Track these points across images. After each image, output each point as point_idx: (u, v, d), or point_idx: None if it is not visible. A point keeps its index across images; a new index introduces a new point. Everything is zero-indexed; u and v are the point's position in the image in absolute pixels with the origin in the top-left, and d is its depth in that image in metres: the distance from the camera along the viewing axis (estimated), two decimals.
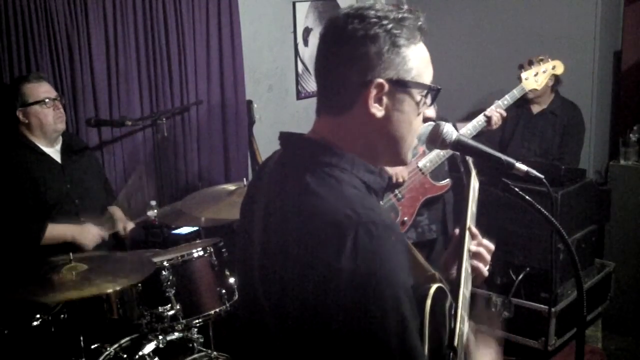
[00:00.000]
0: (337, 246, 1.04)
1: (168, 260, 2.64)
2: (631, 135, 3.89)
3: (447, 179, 3.17)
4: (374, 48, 1.12)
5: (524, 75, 3.30)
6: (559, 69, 3.35)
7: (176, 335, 2.64)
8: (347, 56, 1.14)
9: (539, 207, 1.52)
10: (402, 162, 1.25)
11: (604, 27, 4.14)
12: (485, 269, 1.46)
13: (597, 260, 3.80)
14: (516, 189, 1.52)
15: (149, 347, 2.57)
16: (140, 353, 2.55)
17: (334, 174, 1.14)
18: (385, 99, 1.15)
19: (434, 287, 1.22)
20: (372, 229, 1.05)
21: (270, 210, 1.18)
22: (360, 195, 1.13)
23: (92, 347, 2.57)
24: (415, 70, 1.16)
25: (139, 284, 2.57)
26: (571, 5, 4.18)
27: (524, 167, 1.50)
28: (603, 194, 3.78)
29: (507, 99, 3.24)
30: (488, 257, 1.48)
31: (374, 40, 1.12)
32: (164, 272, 2.61)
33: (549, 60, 3.31)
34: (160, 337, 2.59)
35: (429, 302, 1.18)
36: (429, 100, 1.20)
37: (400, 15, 1.15)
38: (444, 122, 1.54)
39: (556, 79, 3.80)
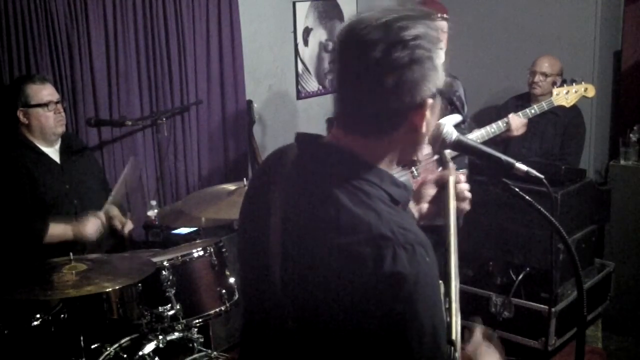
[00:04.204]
0: (375, 262, 1.04)
1: (168, 260, 2.64)
2: (631, 135, 3.89)
3: (465, 170, 3.18)
4: (419, 71, 1.11)
5: (555, 91, 3.40)
6: (590, 92, 3.44)
7: (176, 335, 2.64)
8: (394, 84, 1.11)
9: (539, 207, 1.53)
10: (414, 162, 1.27)
11: (604, 27, 4.14)
12: (467, 205, 1.52)
13: (597, 260, 3.80)
14: (516, 189, 1.53)
15: (149, 347, 2.57)
16: (140, 353, 2.56)
17: (364, 188, 1.13)
18: (428, 114, 1.16)
19: None
20: (409, 250, 1.06)
21: (293, 220, 1.16)
22: (394, 213, 1.13)
23: (92, 347, 2.57)
24: (442, 78, 1.17)
25: (139, 284, 2.58)
26: (571, 5, 4.18)
27: (524, 167, 1.51)
28: (603, 194, 3.78)
29: (535, 109, 3.31)
30: (468, 194, 1.52)
31: (419, 63, 1.11)
32: (164, 272, 2.61)
33: (582, 82, 3.39)
34: (160, 337, 2.59)
35: None
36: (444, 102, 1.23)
37: (429, 27, 1.13)
38: (444, 122, 1.54)
39: (562, 81, 3.81)
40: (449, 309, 1.24)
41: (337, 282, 1.07)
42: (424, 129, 1.17)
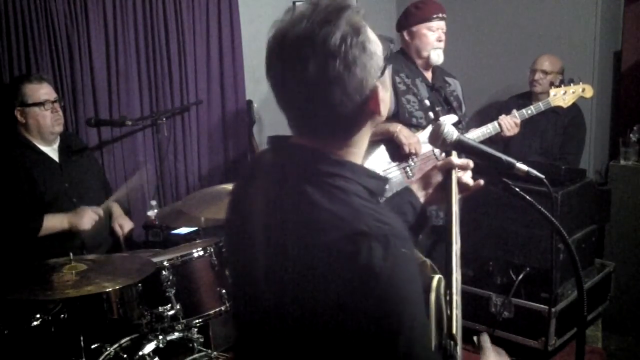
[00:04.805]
0: (351, 258, 1.04)
1: (168, 260, 2.64)
2: (631, 135, 3.89)
3: None
4: (359, 70, 1.11)
5: (552, 91, 3.37)
6: (588, 92, 3.43)
7: (176, 335, 2.64)
8: (340, 94, 1.11)
9: (540, 207, 1.53)
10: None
11: (604, 27, 4.14)
12: (472, 182, 1.54)
13: (597, 260, 3.80)
14: (516, 189, 1.53)
15: (149, 347, 2.57)
16: (140, 353, 2.55)
17: (338, 184, 1.13)
18: (381, 94, 1.17)
19: (435, 278, 1.24)
20: (384, 243, 1.06)
21: (274, 221, 1.17)
22: (371, 207, 1.13)
23: (92, 347, 2.57)
24: (380, 55, 1.17)
25: (139, 284, 2.58)
26: (571, 5, 4.18)
27: (524, 167, 1.51)
28: (603, 194, 3.78)
29: (532, 110, 3.29)
30: (468, 180, 1.54)
31: (356, 63, 1.11)
32: (164, 272, 2.61)
33: (580, 83, 3.38)
34: (160, 337, 2.59)
35: (433, 295, 1.20)
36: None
37: (350, 17, 1.13)
38: (444, 122, 1.55)
39: (562, 80, 3.83)
40: (450, 302, 1.23)
41: (316, 280, 1.08)
42: (382, 110, 1.17)
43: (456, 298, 1.23)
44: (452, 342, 1.17)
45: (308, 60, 1.09)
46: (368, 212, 1.10)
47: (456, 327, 1.19)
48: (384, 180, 1.23)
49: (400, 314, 1.05)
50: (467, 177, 1.54)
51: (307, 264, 1.09)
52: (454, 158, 1.53)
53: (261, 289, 1.18)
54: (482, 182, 1.55)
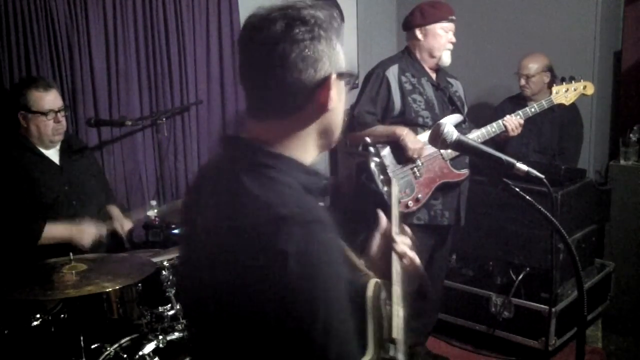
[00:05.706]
0: (271, 243, 1.06)
1: (168, 260, 2.65)
2: (631, 135, 3.89)
3: (466, 169, 3.20)
4: (320, 48, 1.15)
5: (554, 89, 3.38)
6: (589, 90, 3.43)
7: (176, 335, 2.64)
8: (296, 58, 1.14)
9: (539, 207, 1.53)
10: (329, 147, 1.28)
11: (604, 27, 4.14)
12: (417, 261, 1.52)
13: (597, 260, 3.80)
14: (516, 189, 1.53)
15: (149, 347, 2.57)
16: (140, 353, 2.56)
17: (270, 174, 1.15)
18: (333, 92, 1.18)
19: (372, 281, 1.30)
20: (304, 227, 1.07)
21: (211, 211, 1.20)
22: (296, 195, 1.15)
23: (92, 347, 2.57)
24: (343, 62, 1.20)
25: (139, 284, 2.58)
26: (571, 5, 4.18)
27: (524, 167, 1.51)
28: (603, 194, 3.79)
29: (535, 108, 3.29)
30: (411, 254, 1.53)
31: (319, 40, 1.15)
32: (164, 272, 2.61)
33: (581, 80, 3.39)
34: (160, 337, 2.59)
35: (369, 294, 1.27)
36: (348, 87, 1.26)
37: (327, 15, 1.18)
38: (444, 122, 1.55)
39: (552, 75, 3.83)
40: (391, 310, 1.31)
41: (239, 264, 1.09)
42: (330, 106, 1.18)
43: (396, 307, 1.30)
44: (394, 346, 1.22)
45: (277, 19, 1.14)
46: (291, 200, 1.12)
47: (397, 332, 1.25)
48: (320, 178, 1.24)
49: (316, 297, 1.06)
50: (399, 247, 1.52)
51: (232, 248, 1.11)
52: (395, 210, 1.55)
53: (203, 283, 1.20)
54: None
